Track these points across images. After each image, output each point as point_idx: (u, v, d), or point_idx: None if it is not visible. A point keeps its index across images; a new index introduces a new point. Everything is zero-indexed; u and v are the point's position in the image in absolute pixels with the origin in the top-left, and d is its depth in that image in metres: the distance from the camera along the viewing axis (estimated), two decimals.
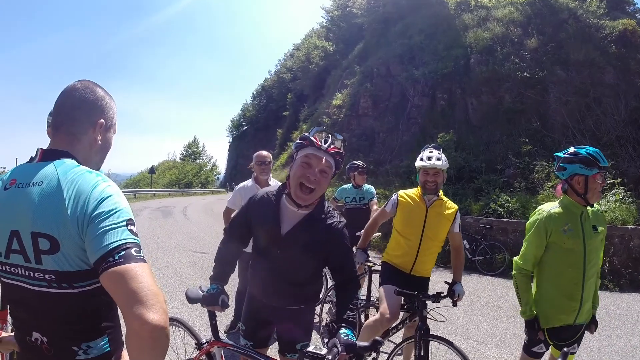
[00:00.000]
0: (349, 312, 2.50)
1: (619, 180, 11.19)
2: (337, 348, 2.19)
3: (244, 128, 67.08)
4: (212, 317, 2.87)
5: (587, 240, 2.97)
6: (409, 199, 4.04)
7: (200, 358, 2.90)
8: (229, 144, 71.99)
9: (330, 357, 2.13)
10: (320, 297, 3.59)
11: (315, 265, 2.77)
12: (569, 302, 3.03)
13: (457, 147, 16.26)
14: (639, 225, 9.69)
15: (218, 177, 64.52)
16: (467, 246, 10.70)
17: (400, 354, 4.21)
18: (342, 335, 2.30)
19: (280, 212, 2.65)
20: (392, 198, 4.20)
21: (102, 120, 1.69)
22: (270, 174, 5.49)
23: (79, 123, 1.66)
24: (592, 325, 3.20)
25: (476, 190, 13.72)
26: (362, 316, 4.86)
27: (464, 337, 5.90)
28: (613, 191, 10.93)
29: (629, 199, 10.82)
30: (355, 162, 6.94)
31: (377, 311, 4.19)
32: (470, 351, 5.28)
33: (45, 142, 1.67)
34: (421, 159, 3.90)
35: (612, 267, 9.23)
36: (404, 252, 4.06)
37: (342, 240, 2.65)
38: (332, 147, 2.49)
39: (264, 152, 5.46)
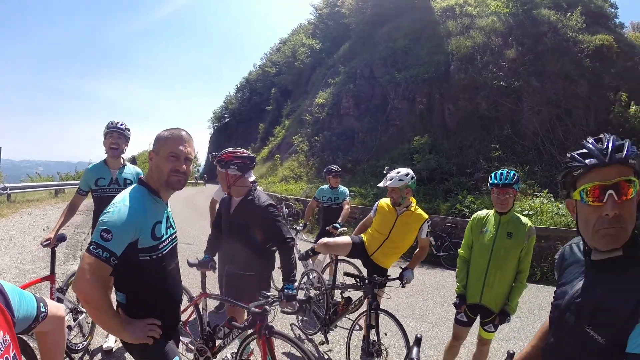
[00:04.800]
0: (289, 271, 3.76)
1: None
2: (282, 296, 3.40)
3: (226, 120, 66.66)
4: (203, 276, 4.20)
5: (496, 240, 3.89)
6: (385, 206, 4.79)
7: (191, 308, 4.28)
8: (210, 135, 71.57)
9: (276, 300, 3.36)
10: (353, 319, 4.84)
11: (254, 235, 3.88)
12: (475, 282, 4.01)
13: (432, 150, 16.73)
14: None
15: (198, 169, 63.92)
16: (433, 243, 11.17)
17: (359, 330, 4.97)
18: (285, 290, 3.53)
19: (231, 202, 4.06)
20: (375, 205, 5.01)
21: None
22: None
23: None
24: (500, 315, 3.94)
25: (446, 192, 14.14)
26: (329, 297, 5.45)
27: (420, 320, 6.75)
28: None
29: None
30: (331, 166, 7.86)
31: (341, 294, 5.37)
32: (423, 331, 6.15)
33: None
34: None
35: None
36: (373, 240, 4.88)
37: (264, 214, 3.81)
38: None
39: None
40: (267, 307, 3.30)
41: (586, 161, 1.54)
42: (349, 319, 5.06)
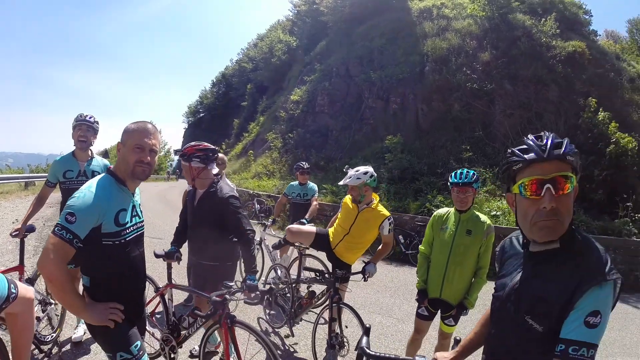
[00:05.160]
0: (250, 262, 3.89)
1: None
2: (244, 287, 3.51)
3: (201, 115, 66.08)
4: (169, 267, 4.31)
5: (456, 237, 3.99)
6: (348, 202, 4.93)
7: (157, 298, 4.38)
8: (184, 130, 70.82)
9: (238, 291, 3.46)
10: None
11: (216, 226, 4.01)
12: (436, 278, 4.11)
13: (404, 149, 16.81)
14: None
15: (171, 164, 63.17)
16: (402, 241, 11.30)
17: (324, 323, 4.92)
18: (248, 280, 3.66)
19: (195, 194, 4.22)
20: (341, 202, 5.21)
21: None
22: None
23: None
24: (457, 308, 4.06)
25: (416, 191, 14.22)
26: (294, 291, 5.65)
27: (386, 315, 6.88)
28: None
29: None
30: (300, 163, 8.05)
31: (307, 288, 5.45)
32: (389, 326, 6.38)
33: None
34: None
35: None
36: (336, 234, 5.04)
37: (225, 205, 3.94)
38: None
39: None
40: (227, 297, 3.41)
41: (525, 156, 1.62)
42: (315, 312, 5.18)
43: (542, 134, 1.66)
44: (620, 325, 7.29)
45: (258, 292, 3.56)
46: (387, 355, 2.02)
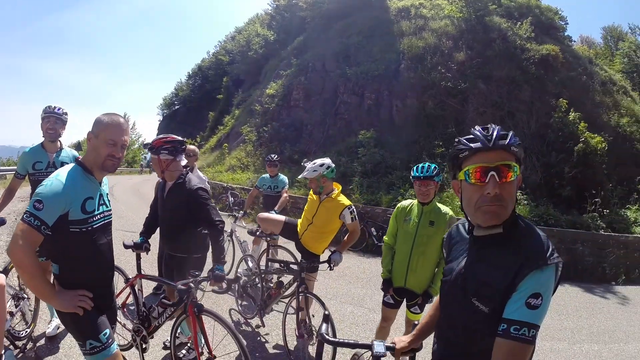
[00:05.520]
0: (219, 252, 3.92)
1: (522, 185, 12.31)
2: (210, 276, 3.59)
3: (176, 107, 65.31)
4: (138, 258, 4.37)
5: (419, 228, 4.10)
6: (312, 195, 5.11)
7: (127, 288, 4.41)
8: (159, 122, 69.87)
9: (205, 280, 3.59)
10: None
11: (185, 218, 4.13)
12: (400, 267, 4.22)
13: (377, 144, 16.96)
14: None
15: (145, 157, 62.17)
16: (375, 233, 11.49)
17: (293, 313, 5.00)
18: (215, 270, 3.67)
19: (165, 186, 4.26)
20: None
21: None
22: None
23: None
24: (423, 296, 4.19)
25: (389, 185, 14.37)
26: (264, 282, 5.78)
27: (358, 306, 7.08)
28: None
29: (525, 202, 12.24)
30: (270, 155, 8.29)
31: (277, 278, 5.50)
32: (360, 316, 6.61)
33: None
34: None
35: None
36: (302, 225, 5.23)
37: (194, 196, 4.03)
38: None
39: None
40: (192, 285, 3.51)
41: (472, 145, 1.70)
42: (285, 302, 5.27)
43: (488, 126, 1.74)
44: (588, 314, 7.71)
45: (225, 281, 3.65)
46: (346, 340, 2.14)
